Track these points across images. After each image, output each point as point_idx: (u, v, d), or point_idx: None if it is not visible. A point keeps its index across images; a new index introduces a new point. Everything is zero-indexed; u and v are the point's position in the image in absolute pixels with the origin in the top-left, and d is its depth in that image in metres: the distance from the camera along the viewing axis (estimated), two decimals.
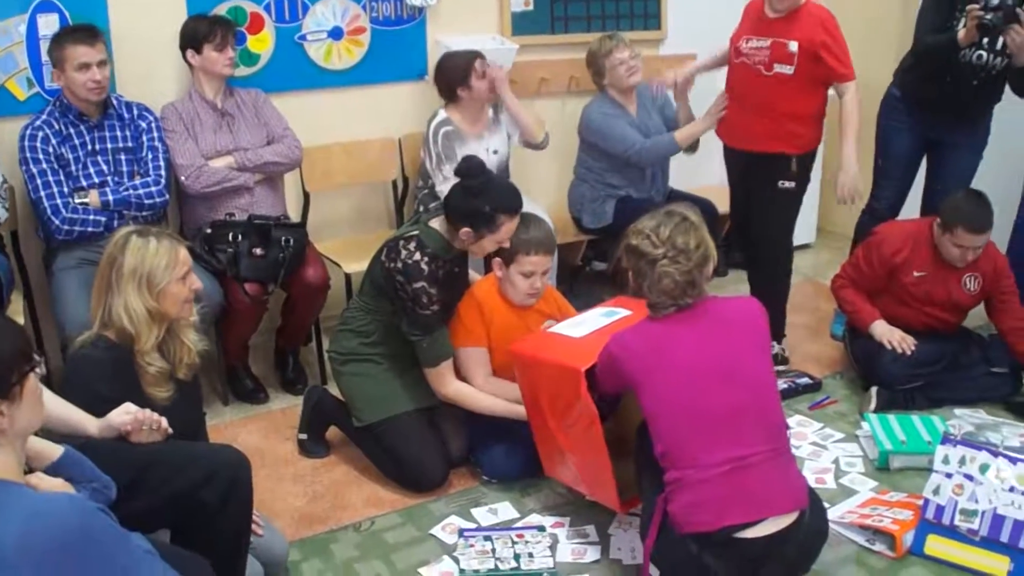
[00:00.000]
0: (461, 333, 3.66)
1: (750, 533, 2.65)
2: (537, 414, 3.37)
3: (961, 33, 4.19)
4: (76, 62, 3.81)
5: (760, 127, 4.37)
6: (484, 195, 3.42)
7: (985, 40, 4.23)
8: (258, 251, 4.03)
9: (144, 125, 4.06)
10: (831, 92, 4.39)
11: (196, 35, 4.13)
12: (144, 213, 3.95)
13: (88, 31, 3.86)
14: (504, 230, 3.47)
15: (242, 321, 4.13)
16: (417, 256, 3.45)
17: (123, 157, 4.01)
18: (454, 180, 4.21)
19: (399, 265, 3.45)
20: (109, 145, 3.99)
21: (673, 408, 2.76)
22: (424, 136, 4.64)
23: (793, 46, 4.20)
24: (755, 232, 4.68)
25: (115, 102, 4.03)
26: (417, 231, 3.54)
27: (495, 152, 4.68)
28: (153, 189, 3.96)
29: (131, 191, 3.92)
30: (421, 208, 4.47)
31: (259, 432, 4.05)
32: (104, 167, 3.96)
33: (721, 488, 2.67)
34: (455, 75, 4.58)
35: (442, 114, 4.64)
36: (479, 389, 3.62)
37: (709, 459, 2.69)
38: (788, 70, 4.24)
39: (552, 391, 3.25)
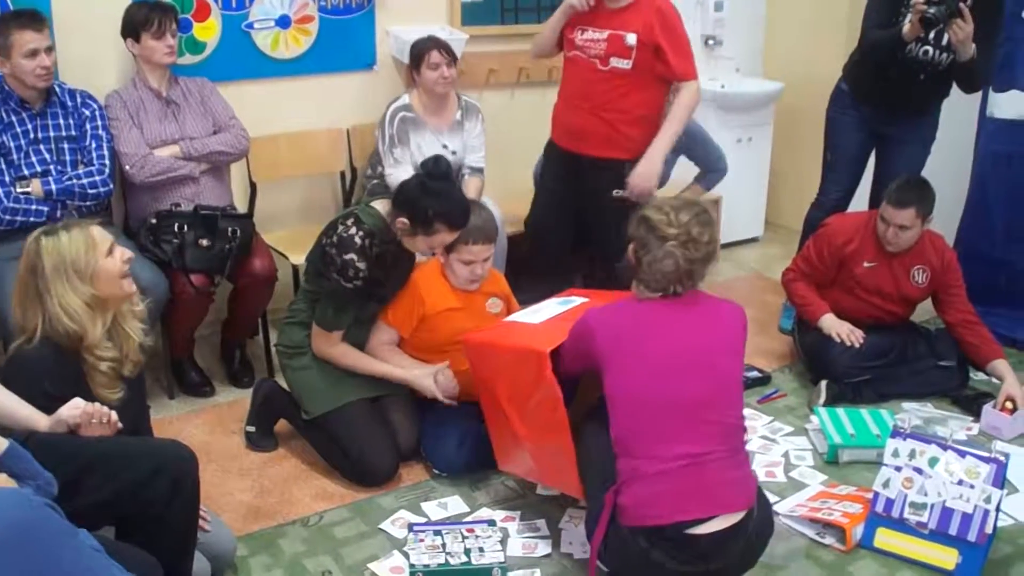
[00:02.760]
0: (390, 311, 3.66)
1: (700, 529, 2.65)
2: (492, 404, 3.34)
3: (906, 27, 4.21)
4: (25, 48, 3.71)
5: (594, 128, 4.19)
6: (434, 198, 3.40)
7: (931, 35, 4.27)
8: (204, 242, 3.96)
9: (88, 113, 3.97)
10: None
11: (134, 23, 4.03)
12: (88, 203, 3.87)
13: (33, 16, 3.76)
14: (438, 239, 3.47)
15: (188, 313, 4.06)
16: (353, 231, 3.43)
17: (66, 146, 3.92)
18: (404, 165, 4.31)
19: (333, 239, 3.44)
20: (52, 134, 3.90)
21: (637, 393, 2.74)
22: (381, 117, 4.60)
23: (631, 38, 4.03)
24: (595, 241, 4.55)
25: (58, 90, 3.93)
26: (357, 210, 3.54)
27: (453, 153, 4.63)
28: (97, 179, 3.88)
29: (75, 181, 3.84)
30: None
31: (206, 426, 3.98)
32: (47, 156, 3.87)
33: (677, 482, 2.66)
34: (412, 57, 4.56)
35: (404, 99, 4.61)
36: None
37: (667, 452, 2.69)
38: (625, 65, 4.07)
39: (511, 378, 3.22)
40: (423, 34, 4.68)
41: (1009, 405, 3.95)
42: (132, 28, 4.04)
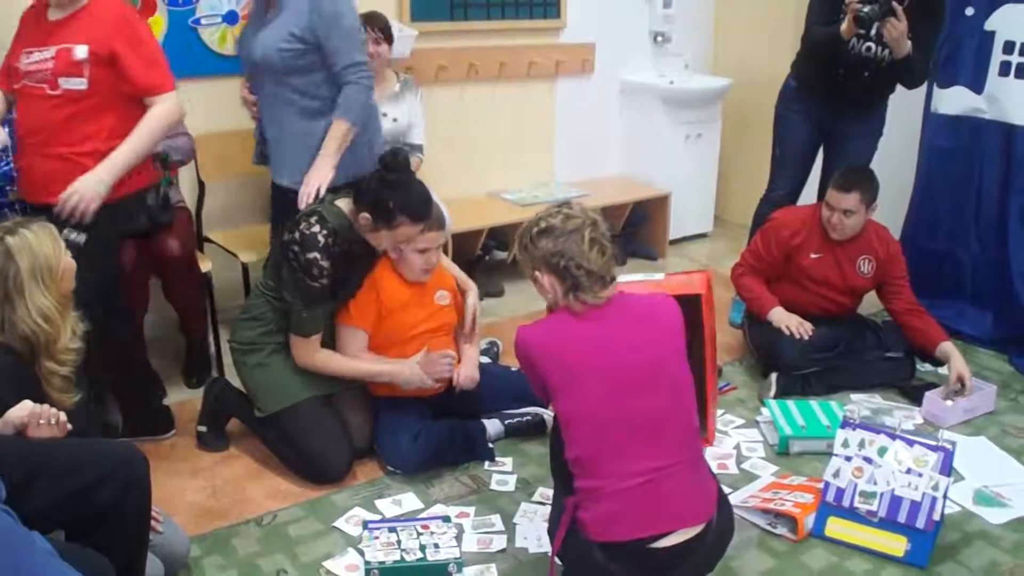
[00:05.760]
0: (352, 310, 3.64)
1: (661, 543, 2.60)
2: None
3: (843, 26, 4.27)
4: None
5: (55, 171, 3.32)
6: (394, 191, 3.40)
7: (872, 32, 4.32)
8: None
9: None
10: None
11: None
12: None
13: None
14: (401, 232, 3.46)
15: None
16: (316, 228, 3.41)
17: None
18: None
19: (296, 235, 3.42)
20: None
21: (593, 414, 2.63)
22: None
23: (81, 51, 3.27)
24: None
25: None
26: (320, 208, 3.52)
27: (394, 120, 4.66)
28: None
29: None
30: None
31: None
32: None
33: (638, 500, 2.60)
34: None
35: None
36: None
37: (627, 469, 2.61)
38: (80, 84, 3.30)
39: None
40: None
41: (962, 386, 4.03)
42: None
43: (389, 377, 3.61)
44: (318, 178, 3.69)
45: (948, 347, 4.16)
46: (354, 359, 3.63)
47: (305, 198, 3.66)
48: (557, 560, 2.87)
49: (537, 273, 2.75)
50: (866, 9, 4.13)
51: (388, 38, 4.58)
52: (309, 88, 3.77)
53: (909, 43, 4.24)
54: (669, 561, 2.64)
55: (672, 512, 2.63)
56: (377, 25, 4.52)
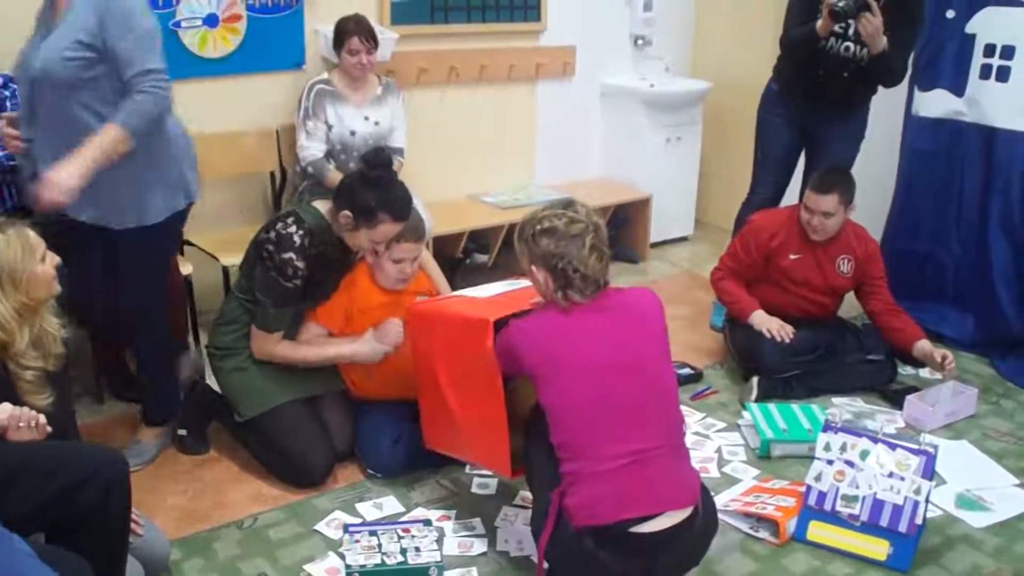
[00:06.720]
0: (320, 310, 3.61)
1: (646, 528, 2.63)
2: (428, 376, 3.32)
3: (819, 23, 4.29)
4: None
5: None
6: (376, 189, 3.38)
7: (851, 31, 4.33)
8: None
9: (7, 93, 3.85)
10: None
11: None
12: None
13: None
14: (381, 231, 3.42)
15: None
16: (292, 229, 3.40)
17: None
18: (316, 138, 4.44)
19: (272, 235, 3.40)
20: None
21: (576, 403, 2.69)
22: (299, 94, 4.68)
23: None
24: None
25: None
26: (297, 208, 3.50)
27: (376, 123, 4.68)
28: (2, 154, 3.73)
29: None
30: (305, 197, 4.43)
31: (136, 430, 3.90)
32: None
33: (620, 481, 2.64)
34: (335, 36, 4.61)
35: (324, 74, 4.68)
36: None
37: (609, 451, 2.65)
38: None
39: (452, 348, 3.20)
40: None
41: (948, 363, 4.10)
42: None
43: (350, 356, 3.58)
44: (59, 188, 3.01)
45: (925, 344, 4.20)
46: (311, 347, 3.58)
47: (43, 205, 3.04)
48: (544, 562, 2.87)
49: (533, 268, 2.81)
50: (841, 3, 4.14)
51: (376, 45, 4.59)
52: (102, 107, 3.17)
53: (885, 39, 4.25)
54: (656, 547, 2.66)
55: (656, 494, 2.66)
56: (366, 34, 4.54)
